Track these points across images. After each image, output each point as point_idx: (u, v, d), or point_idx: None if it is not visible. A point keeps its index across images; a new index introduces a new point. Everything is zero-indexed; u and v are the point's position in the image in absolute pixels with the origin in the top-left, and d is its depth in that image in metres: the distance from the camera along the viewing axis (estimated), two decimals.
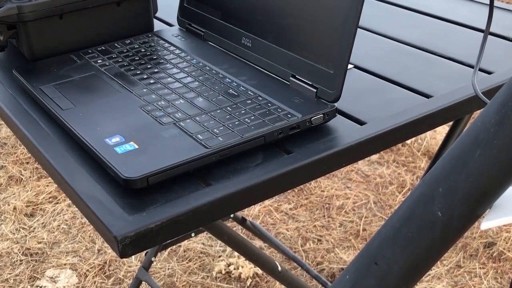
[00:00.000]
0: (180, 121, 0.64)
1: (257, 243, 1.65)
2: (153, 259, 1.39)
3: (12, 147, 2.18)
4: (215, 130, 0.62)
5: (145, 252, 1.41)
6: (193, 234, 1.39)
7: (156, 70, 0.75)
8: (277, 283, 1.45)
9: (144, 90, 0.70)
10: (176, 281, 1.61)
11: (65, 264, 1.66)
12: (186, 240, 1.69)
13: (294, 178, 0.61)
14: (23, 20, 0.76)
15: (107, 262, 1.67)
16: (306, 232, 1.78)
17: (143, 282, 1.41)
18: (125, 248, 0.54)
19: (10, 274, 1.63)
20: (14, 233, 1.78)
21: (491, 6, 0.69)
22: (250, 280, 1.60)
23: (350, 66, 0.81)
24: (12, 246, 1.73)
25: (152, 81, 0.72)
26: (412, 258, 0.47)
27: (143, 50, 0.81)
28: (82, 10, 0.80)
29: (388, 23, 0.98)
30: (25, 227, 1.80)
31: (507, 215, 0.48)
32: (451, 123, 1.01)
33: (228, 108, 0.66)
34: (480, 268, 1.64)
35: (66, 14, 0.79)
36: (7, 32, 0.78)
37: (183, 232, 0.56)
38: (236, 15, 0.79)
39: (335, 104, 0.66)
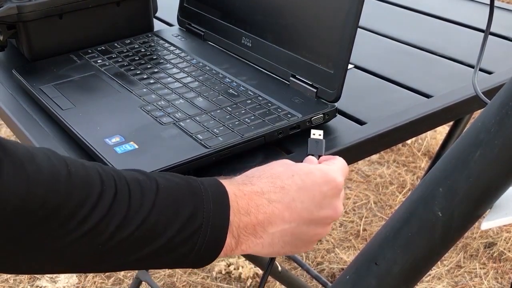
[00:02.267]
0: (180, 121, 0.64)
1: None
2: None
3: None
4: (215, 130, 0.62)
5: None
6: None
7: (156, 70, 0.75)
8: (277, 283, 1.45)
9: (144, 90, 0.70)
10: (176, 281, 1.61)
11: None
12: None
13: None
14: (23, 20, 0.76)
15: None
16: None
17: (143, 282, 1.41)
18: None
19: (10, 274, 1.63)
20: None
21: (492, 6, 0.69)
22: (250, 280, 1.60)
23: (350, 66, 0.81)
24: None
25: (152, 81, 0.72)
26: (412, 258, 0.47)
27: (143, 50, 0.81)
28: (82, 10, 0.80)
29: (388, 23, 0.98)
30: None
31: (507, 215, 0.48)
32: (451, 123, 1.01)
33: (228, 108, 0.66)
34: (481, 268, 1.64)
35: (66, 14, 0.79)
36: (7, 32, 0.77)
37: None
38: (236, 15, 0.79)
39: (335, 104, 0.66)
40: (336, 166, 0.53)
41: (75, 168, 0.43)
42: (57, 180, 0.41)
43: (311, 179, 0.50)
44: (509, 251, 1.68)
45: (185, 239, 0.45)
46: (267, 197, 0.48)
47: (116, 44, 0.82)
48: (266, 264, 0.55)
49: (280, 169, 0.51)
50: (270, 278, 1.55)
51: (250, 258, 1.29)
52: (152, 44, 0.82)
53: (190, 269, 1.63)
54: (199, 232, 0.46)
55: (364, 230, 1.77)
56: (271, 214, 0.48)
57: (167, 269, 1.64)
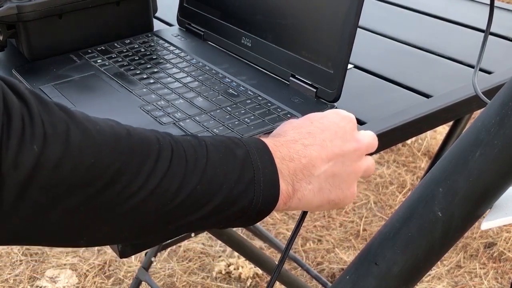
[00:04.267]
0: (180, 121, 0.64)
1: (257, 243, 1.65)
2: (153, 259, 1.39)
3: None
4: (215, 130, 0.62)
5: (145, 252, 1.41)
6: (193, 234, 1.39)
7: (155, 70, 0.75)
8: (277, 283, 1.45)
9: (144, 90, 0.70)
10: (176, 281, 1.61)
11: (65, 264, 1.66)
12: (186, 240, 1.69)
13: None
14: (23, 19, 0.76)
15: (107, 262, 1.67)
16: (306, 232, 1.78)
17: (143, 282, 1.41)
18: (125, 248, 0.54)
19: (10, 274, 1.63)
20: None
21: (492, 6, 0.68)
22: (250, 280, 1.60)
23: (350, 66, 0.81)
24: (11, 246, 1.73)
25: (151, 81, 0.72)
26: (412, 258, 0.47)
27: (142, 50, 0.81)
28: (81, 10, 0.79)
29: (388, 23, 0.98)
30: None
31: (507, 215, 0.48)
32: (451, 123, 1.01)
33: (228, 108, 0.66)
34: (481, 268, 1.64)
35: (65, 14, 0.79)
36: (7, 32, 0.77)
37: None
38: (236, 15, 0.78)
39: (335, 104, 0.66)
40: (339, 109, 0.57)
41: (133, 129, 0.45)
42: (119, 139, 0.43)
43: (328, 120, 0.54)
44: (509, 251, 1.68)
45: (243, 190, 0.47)
46: (302, 142, 0.51)
47: (116, 44, 0.82)
48: (299, 218, 0.57)
49: (298, 121, 0.54)
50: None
51: (250, 258, 1.28)
52: (152, 44, 0.82)
53: (190, 268, 1.63)
54: (254, 182, 0.47)
55: (364, 230, 1.77)
56: (311, 157, 0.51)
57: (167, 269, 1.64)
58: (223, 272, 1.62)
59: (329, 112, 0.55)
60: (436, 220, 0.46)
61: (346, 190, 0.53)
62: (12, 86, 0.39)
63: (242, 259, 1.62)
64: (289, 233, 1.76)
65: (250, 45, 0.76)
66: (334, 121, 0.53)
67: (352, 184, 0.54)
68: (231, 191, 0.46)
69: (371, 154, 0.57)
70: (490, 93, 0.72)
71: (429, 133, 2.14)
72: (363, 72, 0.81)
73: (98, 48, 0.81)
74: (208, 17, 0.83)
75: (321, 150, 0.51)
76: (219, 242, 1.68)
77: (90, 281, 1.60)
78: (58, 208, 0.39)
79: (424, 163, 2.04)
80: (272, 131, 0.62)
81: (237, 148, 0.48)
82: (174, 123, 0.63)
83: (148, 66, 0.76)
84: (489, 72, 0.80)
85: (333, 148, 0.52)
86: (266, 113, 0.65)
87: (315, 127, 0.53)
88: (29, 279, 1.62)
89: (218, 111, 0.65)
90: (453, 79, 0.78)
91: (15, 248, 1.72)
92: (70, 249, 1.71)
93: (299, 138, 0.52)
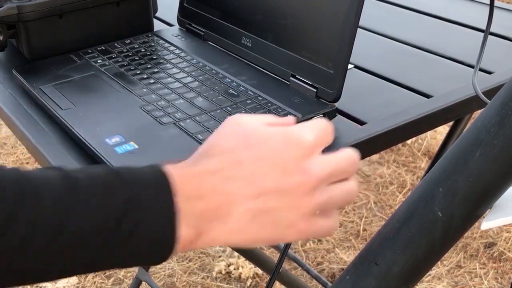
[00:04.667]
0: (180, 121, 0.64)
1: None
2: None
3: (12, 147, 2.18)
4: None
5: None
6: None
7: (156, 70, 0.75)
8: (277, 283, 1.45)
9: (144, 90, 0.70)
10: (176, 281, 1.61)
11: None
12: None
13: None
14: (23, 20, 0.76)
15: None
16: None
17: (143, 282, 1.41)
18: None
19: None
20: None
21: (491, 6, 0.69)
22: (250, 280, 1.60)
23: (350, 66, 0.81)
24: None
25: (152, 81, 0.72)
26: (412, 258, 0.47)
27: (143, 50, 0.81)
28: (81, 10, 0.80)
29: (388, 23, 0.98)
30: None
31: (507, 215, 0.48)
32: (451, 123, 1.01)
33: (228, 108, 0.66)
34: (481, 268, 1.64)
35: (65, 14, 0.79)
36: (7, 32, 0.77)
37: None
38: (236, 15, 0.79)
39: (335, 104, 0.66)
40: (307, 125, 0.46)
41: None
42: None
43: (269, 147, 0.44)
44: (509, 251, 1.68)
45: (122, 241, 0.40)
46: (222, 174, 0.43)
47: (116, 44, 0.82)
48: (282, 249, 0.54)
49: (234, 141, 0.45)
50: None
51: (250, 258, 1.28)
52: (152, 44, 0.82)
53: (190, 268, 1.63)
54: (139, 230, 0.40)
55: (364, 230, 1.77)
56: (230, 193, 0.43)
57: (167, 269, 1.64)
58: (223, 272, 1.62)
59: (276, 134, 0.45)
60: (436, 220, 0.46)
61: (289, 228, 0.44)
62: None
63: (242, 259, 1.62)
64: None
65: (250, 45, 0.76)
66: (277, 148, 0.44)
67: (298, 221, 0.44)
68: (105, 242, 0.39)
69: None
70: (490, 93, 0.72)
71: (429, 133, 2.14)
72: (363, 72, 0.81)
73: (98, 48, 0.81)
74: (208, 17, 0.83)
75: (246, 186, 0.43)
76: None
77: (90, 281, 1.60)
78: None
79: (424, 163, 2.04)
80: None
81: (120, 189, 0.40)
82: (174, 123, 0.63)
83: (148, 66, 0.76)
84: (489, 72, 0.80)
85: (265, 183, 0.43)
86: (266, 113, 0.65)
87: (249, 154, 0.44)
88: None
89: (218, 111, 0.65)
90: (453, 79, 0.78)
91: None
92: None
93: (222, 168, 0.43)
